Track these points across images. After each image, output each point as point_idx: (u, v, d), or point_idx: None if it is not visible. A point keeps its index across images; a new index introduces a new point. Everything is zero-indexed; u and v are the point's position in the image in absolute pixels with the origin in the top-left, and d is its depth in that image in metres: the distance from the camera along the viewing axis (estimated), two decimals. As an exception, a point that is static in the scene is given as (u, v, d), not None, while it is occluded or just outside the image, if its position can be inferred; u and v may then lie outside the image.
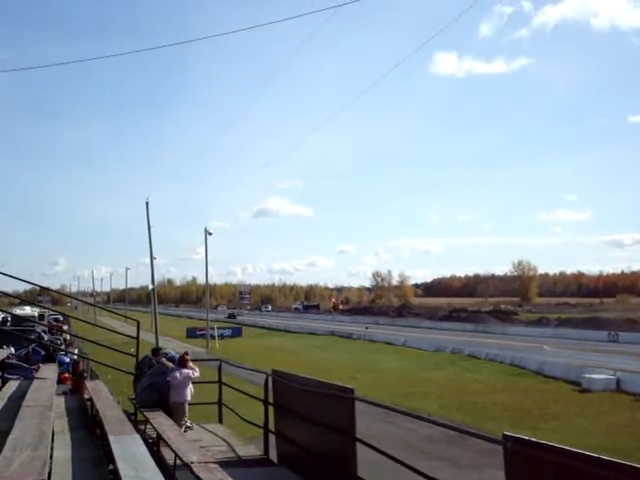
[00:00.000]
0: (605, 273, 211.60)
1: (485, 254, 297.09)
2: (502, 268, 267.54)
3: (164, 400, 12.67)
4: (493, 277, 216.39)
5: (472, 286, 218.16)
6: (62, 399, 11.70)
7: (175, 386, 12.76)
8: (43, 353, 25.88)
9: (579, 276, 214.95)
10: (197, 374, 13.21)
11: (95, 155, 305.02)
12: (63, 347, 32.22)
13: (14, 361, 20.52)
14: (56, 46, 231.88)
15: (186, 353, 13.65)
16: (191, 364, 13.20)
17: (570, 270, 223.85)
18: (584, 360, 38.95)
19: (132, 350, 13.83)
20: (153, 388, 12.79)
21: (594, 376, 30.78)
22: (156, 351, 14.67)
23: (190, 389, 13.08)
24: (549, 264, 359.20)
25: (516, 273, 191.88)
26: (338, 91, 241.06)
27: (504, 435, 5.88)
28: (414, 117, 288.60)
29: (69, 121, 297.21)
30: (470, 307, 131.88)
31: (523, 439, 5.67)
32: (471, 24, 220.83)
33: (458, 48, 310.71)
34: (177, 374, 12.84)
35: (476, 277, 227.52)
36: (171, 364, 13.10)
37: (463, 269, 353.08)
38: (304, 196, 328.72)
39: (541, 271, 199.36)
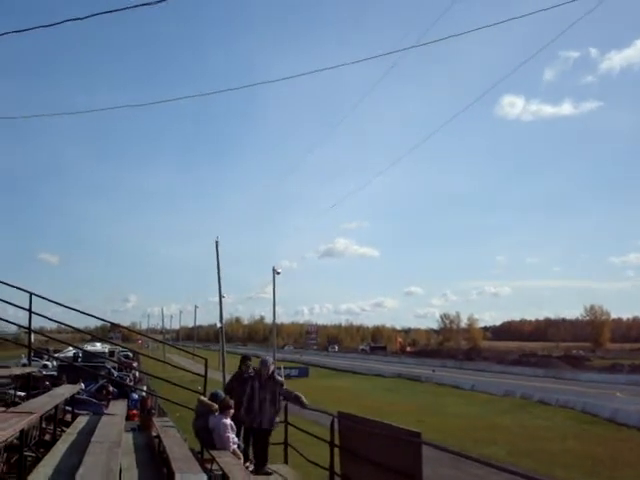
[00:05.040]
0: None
1: (555, 297, 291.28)
2: (573, 312, 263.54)
3: (209, 444, 11.73)
4: (564, 321, 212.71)
5: (542, 330, 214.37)
6: (130, 435, 11.82)
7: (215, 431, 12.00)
8: (115, 390, 26.32)
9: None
10: (229, 436, 11.70)
11: (168, 197, 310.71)
12: (132, 384, 32.71)
13: (84, 396, 20.88)
14: (125, 91, 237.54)
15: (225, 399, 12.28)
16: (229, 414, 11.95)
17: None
18: (659, 408, 37.83)
19: (200, 388, 13.90)
20: (198, 430, 12.30)
21: (669, 425, 29.92)
22: (245, 359, 14.50)
23: (231, 439, 11.73)
24: (621, 308, 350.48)
25: (588, 317, 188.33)
26: (404, 133, 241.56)
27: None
28: (481, 159, 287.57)
29: (143, 164, 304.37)
30: (540, 352, 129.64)
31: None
32: (537, 68, 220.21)
33: (525, 91, 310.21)
34: (211, 419, 11.83)
35: (547, 321, 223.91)
36: (215, 405, 12.31)
37: (533, 313, 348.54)
38: (370, 237, 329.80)
39: (614, 316, 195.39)
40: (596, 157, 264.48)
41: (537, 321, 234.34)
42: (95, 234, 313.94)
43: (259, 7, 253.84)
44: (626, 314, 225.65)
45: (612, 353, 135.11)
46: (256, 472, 12.38)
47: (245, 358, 14.55)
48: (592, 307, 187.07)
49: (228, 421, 11.88)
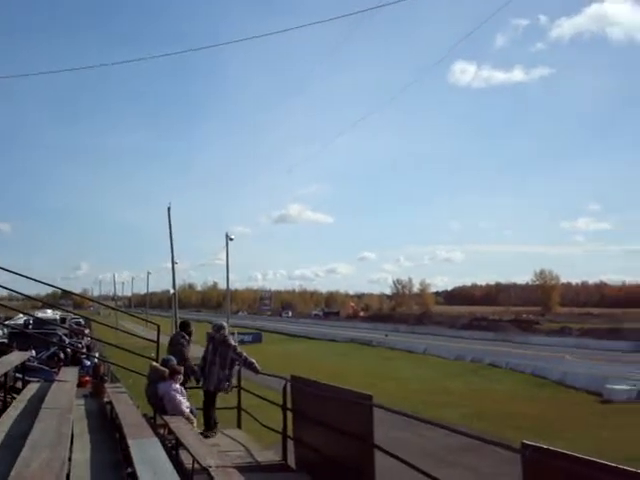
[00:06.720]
0: (628, 283, 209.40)
1: (506, 262, 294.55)
2: (523, 277, 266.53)
3: (161, 410, 11.92)
4: (514, 286, 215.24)
5: (493, 295, 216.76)
6: (82, 402, 11.75)
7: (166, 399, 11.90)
8: (67, 356, 26.14)
9: (601, 286, 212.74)
10: (180, 400, 11.86)
11: (121, 161, 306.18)
12: (84, 350, 32.49)
13: (35, 364, 20.69)
14: (88, 54, 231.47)
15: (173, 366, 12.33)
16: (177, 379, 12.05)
17: (592, 280, 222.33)
18: (606, 371, 38.63)
19: (152, 354, 13.87)
20: (150, 397, 12.39)
21: (616, 387, 30.54)
22: (185, 325, 14.73)
23: (182, 403, 11.85)
24: (571, 273, 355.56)
25: (538, 282, 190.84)
26: (360, 99, 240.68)
27: (522, 444, 5.85)
28: (437, 125, 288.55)
29: (98, 127, 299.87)
30: (491, 316, 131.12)
31: (541, 448, 5.64)
32: (488, 35, 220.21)
33: (476, 58, 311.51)
34: (161, 386, 11.97)
35: (497, 286, 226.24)
36: (167, 370, 12.25)
37: (484, 277, 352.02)
38: (325, 203, 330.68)
39: (563, 280, 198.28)
40: (547, 123, 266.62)
41: (488, 286, 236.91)
42: (47, 200, 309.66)
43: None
44: (575, 279, 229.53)
45: (561, 317, 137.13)
46: (205, 434, 12.44)
47: (184, 324, 14.86)
48: (542, 272, 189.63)
49: (177, 386, 11.90)
